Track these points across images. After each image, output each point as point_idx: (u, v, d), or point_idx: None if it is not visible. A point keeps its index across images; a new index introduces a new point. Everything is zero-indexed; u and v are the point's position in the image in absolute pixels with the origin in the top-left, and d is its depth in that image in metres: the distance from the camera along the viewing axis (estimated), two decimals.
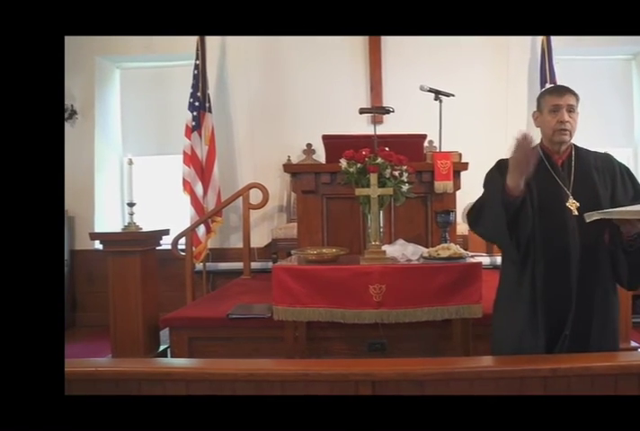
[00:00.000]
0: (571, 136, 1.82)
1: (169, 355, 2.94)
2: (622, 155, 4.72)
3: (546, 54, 4.33)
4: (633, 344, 2.85)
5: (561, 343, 1.75)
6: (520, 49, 4.58)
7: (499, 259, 4.34)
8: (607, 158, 1.91)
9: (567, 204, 1.79)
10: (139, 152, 4.58)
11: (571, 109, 1.79)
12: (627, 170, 1.89)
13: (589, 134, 4.45)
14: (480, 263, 2.37)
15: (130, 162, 3.13)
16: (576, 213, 1.77)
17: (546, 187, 1.82)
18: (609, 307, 1.82)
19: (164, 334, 3.00)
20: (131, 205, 3.07)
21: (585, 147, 1.94)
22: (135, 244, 2.94)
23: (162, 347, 3.07)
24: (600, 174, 1.84)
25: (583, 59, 4.70)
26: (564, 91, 1.81)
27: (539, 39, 4.44)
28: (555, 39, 4.35)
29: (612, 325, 1.82)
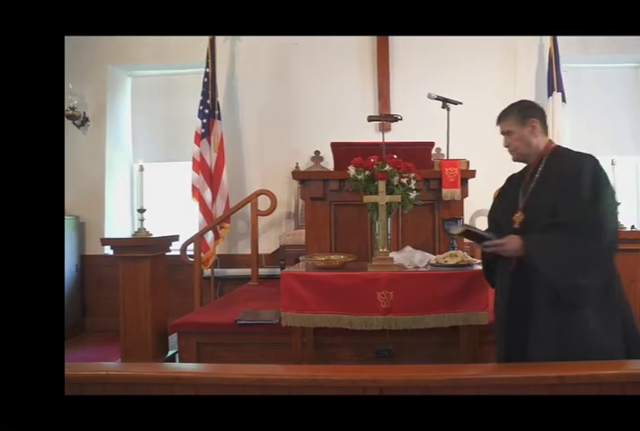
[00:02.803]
0: (519, 154, 1.94)
1: (177, 360, 2.95)
2: (630, 163, 4.71)
3: (554, 62, 4.33)
4: None
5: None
6: (527, 58, 4.59)
7: None
8: (576, 163, 1.81)
9: (513, 217, 1.88)
10: (149, 158, 4.64)
11: (508, 134, 1.92)
12: (591, 175, 1.76)
13: (597, 142, 4.46)
14: None
15: (141, 169, 3.17)
16: (517, 226, 1.86)
17: (505, 200, 1.99)
18: None
19: (173, 339, 3.02)
20: (141, 211, 3.11)
21: (574, 150, 1.91)
22: (145, 250, 2.97)
23: (170, 352, 3.09)
24: (562, 183, 1.79)
25: (591, 67, 4.70)
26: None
27: (547, 47, 4.44)
28: (562, 48, 4.35)
29: None
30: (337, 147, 3.04)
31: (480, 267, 2.44)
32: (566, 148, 1.98)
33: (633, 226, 3.07)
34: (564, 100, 4.29)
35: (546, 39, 4.45)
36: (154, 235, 3.09)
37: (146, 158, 3.97)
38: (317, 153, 4.51)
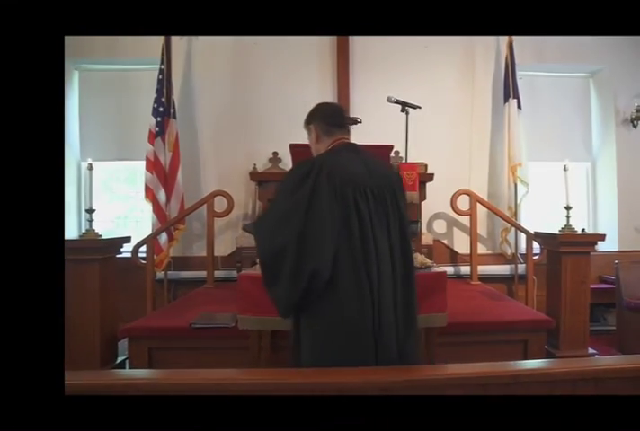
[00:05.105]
0: None
1: (127, 366, 2.84)
2: (581, 169, 4.91)
3: (510, 69, 4.46)
4: (590, 351, 2.95)
5: None
6: (484, 64, 4.70)
7: (463, 269, 4.46)
8: None
9: None
10: (99, 157, 4.43)
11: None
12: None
13: (550, 148, 4.63)
14: (445, 273, 2.40)
15: (90, 167, 3.03)
16: None
17: None
18: None
19: (123, 345, 2.90)
20: (90, 211, 2.97)
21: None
22: (94, 252, 2.85)
23: (120, 359, 2.97)
24: None
25: (545, 76, 4.86)
26: None
27: (504, 54, 4.57)
28: (518, 55, 4.48)
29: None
30: (296, 149, 3.01)
31: (438, 269, 2.48)
32: (335, 147, 1.83)
33: (583, 230, 3.18)
34: (519, 106, 4.42)
35: (503, 46, 4.58)
36: (103, 237, 2.97)
37: (95, 156, 3.79)
38: (275, 154, 4.46)
